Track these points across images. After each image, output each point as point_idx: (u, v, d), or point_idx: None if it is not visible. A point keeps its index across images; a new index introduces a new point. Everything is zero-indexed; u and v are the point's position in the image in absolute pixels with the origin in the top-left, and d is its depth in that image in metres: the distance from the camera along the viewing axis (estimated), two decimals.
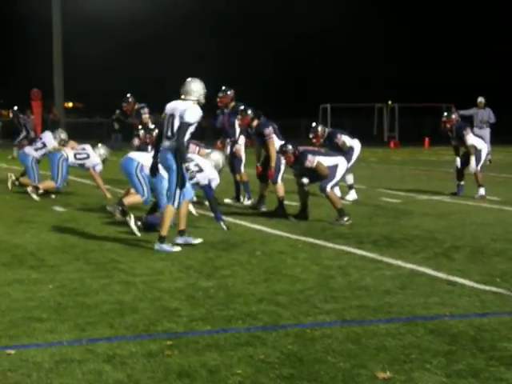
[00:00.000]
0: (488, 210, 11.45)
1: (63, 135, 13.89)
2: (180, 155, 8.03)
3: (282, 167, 11.00)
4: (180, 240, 8.31)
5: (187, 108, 8.10)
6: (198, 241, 8.35)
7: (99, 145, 13.74)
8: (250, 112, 11.42)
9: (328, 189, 10.06)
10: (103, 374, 4.29)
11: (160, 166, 8.40)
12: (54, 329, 5.14)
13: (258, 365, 4.45)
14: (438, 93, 45.81)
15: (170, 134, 8.12)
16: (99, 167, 13.28)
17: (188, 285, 6.46)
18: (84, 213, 11.18)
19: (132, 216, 8.96)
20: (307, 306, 5.76)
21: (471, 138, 13.22)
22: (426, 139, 35.85)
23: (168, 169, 8.18)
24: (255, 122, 11.38)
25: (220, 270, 7.04)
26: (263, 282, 6.56)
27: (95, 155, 13.31)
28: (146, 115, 12.65)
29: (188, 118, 8.05)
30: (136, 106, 12.86)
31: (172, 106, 8.23)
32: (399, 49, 53.66)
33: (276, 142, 11.03)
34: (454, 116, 13.49)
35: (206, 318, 5.41)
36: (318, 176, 10.18)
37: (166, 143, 8.16)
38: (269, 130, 11.16)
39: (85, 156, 13.29)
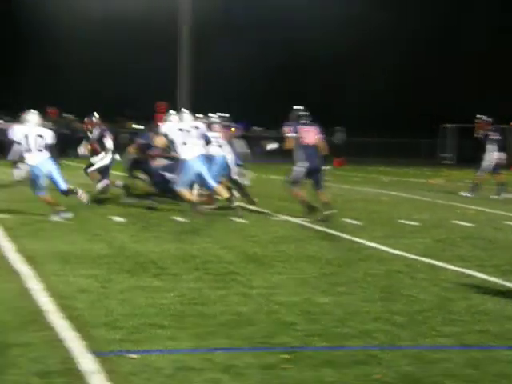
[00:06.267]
0: None
1: None
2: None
3: None
4: None
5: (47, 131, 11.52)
6: None
7: None
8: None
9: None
10: None
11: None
12: (174, 336, 5.27)
13: None
14: None
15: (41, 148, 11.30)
16: None
17: (304, 300, 6.48)
18: (205, 223, 11.41)
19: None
20: (425, 327, 5.66)
21: None
22: None
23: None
24: None
25: (335, 287, 7.02)
26: (379, 301, 6.50)
27: None
28: None
29: (50, 140, 11.34)
30: None
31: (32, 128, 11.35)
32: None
33: None
34: None
35: (321, 334, 5.41)
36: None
37: (41, 154, 11.25)
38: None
39: None
